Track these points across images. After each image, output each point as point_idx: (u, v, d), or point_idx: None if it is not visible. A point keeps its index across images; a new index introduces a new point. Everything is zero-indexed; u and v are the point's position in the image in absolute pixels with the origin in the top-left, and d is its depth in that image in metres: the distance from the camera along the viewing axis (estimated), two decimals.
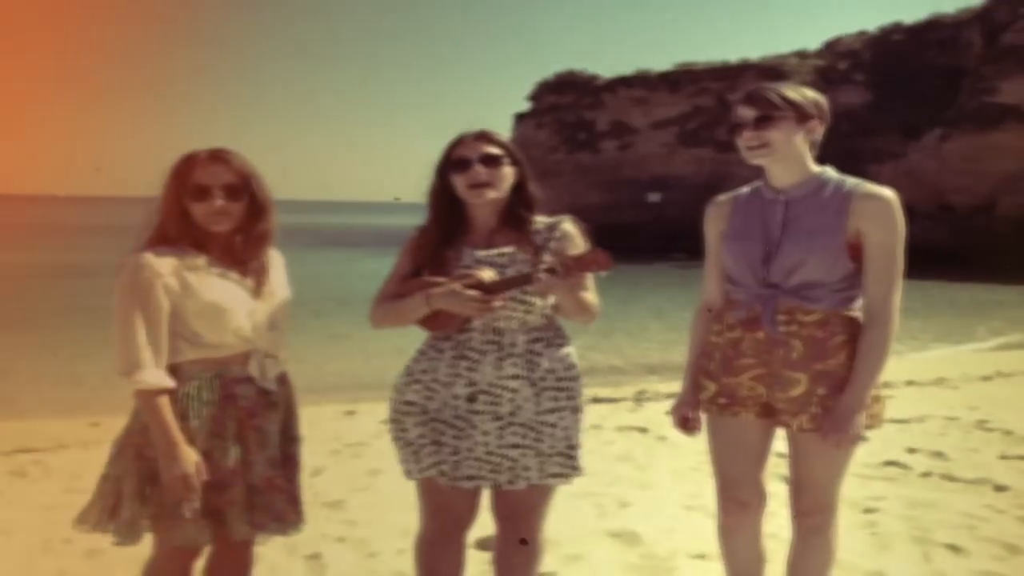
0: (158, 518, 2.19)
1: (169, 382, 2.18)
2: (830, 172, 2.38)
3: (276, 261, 2.45)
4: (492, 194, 2.40)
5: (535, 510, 2.51)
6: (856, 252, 2.30)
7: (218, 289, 2.24)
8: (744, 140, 2.33)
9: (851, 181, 2.34)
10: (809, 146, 2.36)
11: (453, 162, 2.42)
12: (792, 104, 2.31)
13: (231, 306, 2.24)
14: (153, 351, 2.16)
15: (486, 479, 2.39)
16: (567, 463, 2.43)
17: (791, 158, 2.33)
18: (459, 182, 2.40)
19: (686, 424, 2.56)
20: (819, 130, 2.37)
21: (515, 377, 2.37)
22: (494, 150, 2.40)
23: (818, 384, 2.31)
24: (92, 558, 3.57)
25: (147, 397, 2.16)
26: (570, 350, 2.49)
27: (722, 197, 2.57)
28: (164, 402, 2.16)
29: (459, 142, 2.44)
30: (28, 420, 7.81)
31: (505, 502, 2.50)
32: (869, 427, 2.33)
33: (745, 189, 2.53)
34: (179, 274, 2.20)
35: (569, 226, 2.48)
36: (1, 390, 9.52)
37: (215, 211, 2.23)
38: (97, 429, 7.00)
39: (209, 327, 2.22)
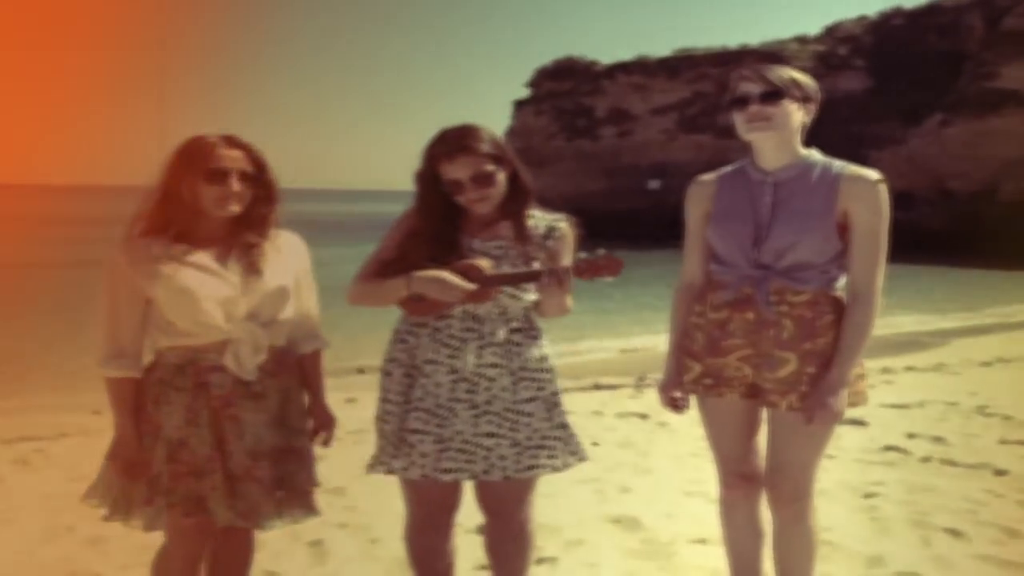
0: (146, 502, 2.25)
1: (131, 372, 2.24)
2: (816, 155, 2.41)
3: (293, 248, 2.41)
4: (489, 205, 2.37)
5: (519, 503, 2.50)
6: (843, 233, 2.34)
7: (192, 278, 2.20)
8: (748, 114, 2.33)
9: (837, 164, 2.38)
10: (800, 129, 2.39)
11: (447, 183, 2.34)
12: (797, 84, 2.34)
13: (203, 294, 2.20)
14: (126, 342, 2.23)
15: (463, 471, 2.36)
16: (544, 455, 2.41)
17: (788, 137, 2.36)
18: (459, 198, 2.36)
19: (674, 403, 2.58)
20: (812, 113, 2.41)
21: (494, 366, 2.35)
22: (486, 167, 2.31)
23: (807, 363, 2.34)
24: (95, 545, 3.58)
25: (110, 385, 2.25)
26: (545, 342, 2.47)
27: (706, 177, 2.55)
28: (126, 393, 2.24)
29: (447, 156, 2.32)
30: (30, 408, 7.81)
31: (489, 495, 2.49)
32: (853, 404, 2.37)
33: (728, 169, 2.53)
34: (155, 264, 2.20)
35: (566, 227, 2.46)
36: (3, 379, 9.53)
37: (230, 194, 2.21)
38: (98, 418, 6.98)
39: (180, 315, 2.21)
